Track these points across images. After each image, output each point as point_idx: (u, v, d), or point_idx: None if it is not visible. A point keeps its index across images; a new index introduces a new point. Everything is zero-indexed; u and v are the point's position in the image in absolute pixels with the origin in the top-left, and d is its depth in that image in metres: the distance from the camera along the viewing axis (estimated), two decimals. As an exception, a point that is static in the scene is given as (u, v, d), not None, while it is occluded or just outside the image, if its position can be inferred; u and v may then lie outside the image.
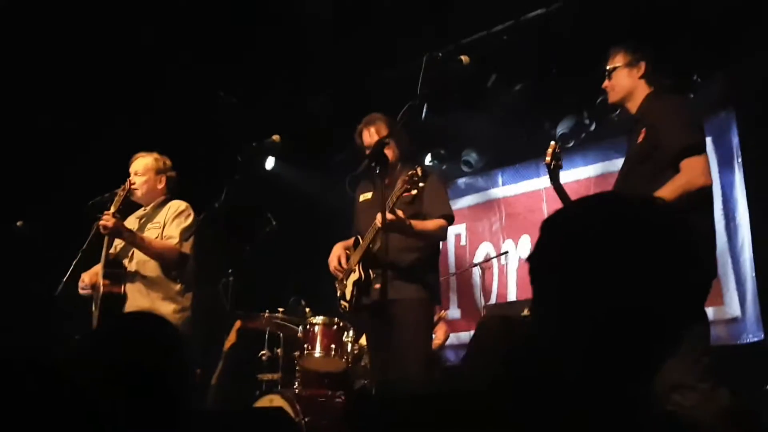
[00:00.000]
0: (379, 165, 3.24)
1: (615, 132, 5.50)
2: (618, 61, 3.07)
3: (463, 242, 6.96)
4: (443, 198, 3.73)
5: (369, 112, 3.86)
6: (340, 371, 4.63)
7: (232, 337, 5.01)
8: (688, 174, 2.70)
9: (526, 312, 4.54)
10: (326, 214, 6.86)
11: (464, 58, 3.27)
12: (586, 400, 0.96)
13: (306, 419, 4.08)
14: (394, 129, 3.43)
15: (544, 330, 1.03)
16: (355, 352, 4.57)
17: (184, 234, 3.82)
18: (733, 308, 5.24)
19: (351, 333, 4.58)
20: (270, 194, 6.25)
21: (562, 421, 0.94)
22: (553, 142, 3.07)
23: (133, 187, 3.92)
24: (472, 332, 6.53)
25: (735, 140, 5.45)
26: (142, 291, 3.78)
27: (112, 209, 3.73)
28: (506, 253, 6.44)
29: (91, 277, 3.81)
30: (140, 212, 4.05)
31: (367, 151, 3.56)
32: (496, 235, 6.77)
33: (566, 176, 6.32)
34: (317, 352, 4.47)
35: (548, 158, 3.05)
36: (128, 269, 3.82)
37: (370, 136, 3.70)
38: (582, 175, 6.24)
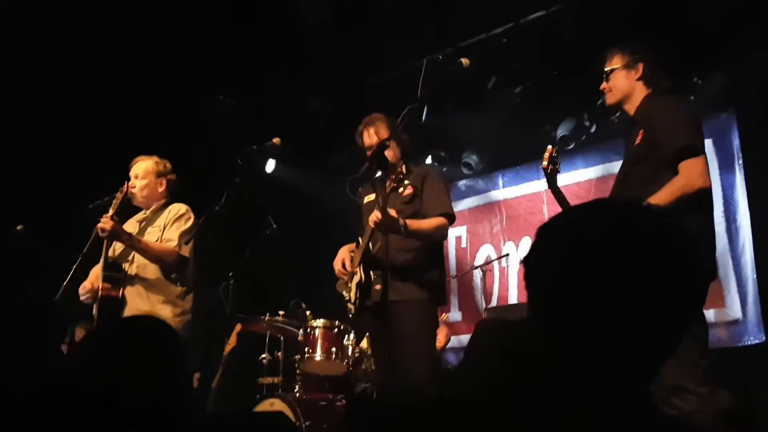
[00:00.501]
0: (379, 167, 3.22)
1: (615, 134, 5.50)
2: (616, 62, 3.06)
3: (463, 244, 6.96)
4: (443, 196, 3.67)
5: (369, 113, 3.85)
6: (340, 375, 4.62)
7: (232, 341, 5.01)
8: (687, 176, 2.69)
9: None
10: (326, 216, 6.86)
11: (464, 61, 3.26)
12: (585, 401, 0.96)
13: (307, 423, 4.07)
14: (394, 130, 3.41)
15: (539, 332, 1.03)
16: (356, 355, 4.56)
17: (184, 237, 3.81)
18: (734, 310, 5.23)
19: (352, 336, 4.57)
20: (270, 197, 6.25)
21: (561, 422, 0.93)
22: (550, 146, 3.05)
23: (133, 190, 3.92)
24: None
25: (736, 142, 5.45)
26: (142, 294, 3.77)
27: (111, 212, 3.73)
28: (507, 255, 6.44)
29: (92, 282, 3.81)
30: (141, 215, 4.05)
31: (368, 153, 3.54)
32: (497, 237, 6.76)
33: (567, 178, 6.38)
34: (318, 356, 4.46)
35: (545, 162, 3.02)
36: (128, 272, 3.81)
37: (370, 137, 3.68)
38: (582, 177, 6.25)
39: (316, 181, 6.92)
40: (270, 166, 5.72)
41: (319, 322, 4.56)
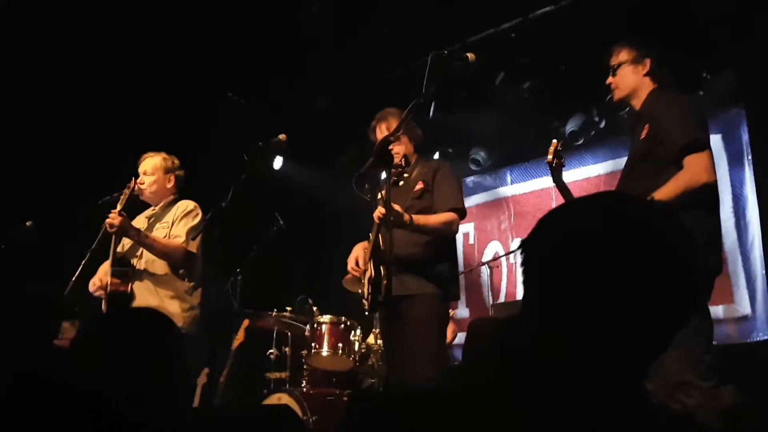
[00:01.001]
0: (383, 162, 3.22)
1: (625, 129, 5.44)
2: (623, 57, 3.04)
3: (471, 241, 6.95)
4: (453, 191, 3.64)
5: (375, 109, 3.85)
6: (347, 370, 4.64)
7: (240, 336, 5.02)
8: (692, 171, 2.68)
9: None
10: (333, 212, 6.86)
11: (470, 56, 3.24)
12: (579, 397, 0.96)
13: (313, 418, 4.09)
14: (405, 124, 3.40)
15: (531, 324, 1.04)
16: (363, 350, 4.57)
17: (191, 233, 3.84)
18: (743, 306, 5.20)
19: (358, 332, 4.58)
20: (277, 193, 6.26)
21: (555, 419, 0.94)
22: (555, 141, 3.04)
23: (142, 186, 3.95)
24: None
25: (745, 137, 5.41)
26: (150, 289, 3.80)
27: (119, 208, 3.76)
28: (515, 251, 6.42)
29: (101, 277, 3.83)
30: (149, 212, 4.08)
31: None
32: (505, 233, 6.75)
33: (576, 174, 6.36)
34: (325, 351, 4.48)
35: (550, 156, 3.01)
36: (137, 268, 3.84)
37: (381, 132, 3.66)
38: (592, 173, 6.22)
39: (323, 177, 6.92)
40: (278, 162, 5.72)
41: (326, 318, 4.58)
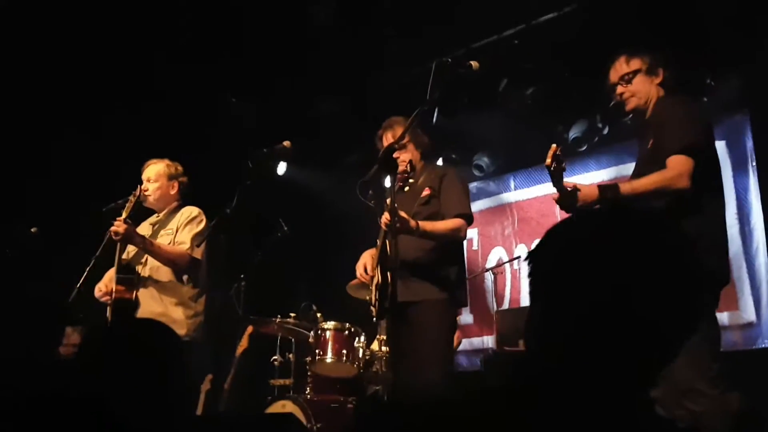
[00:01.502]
0: (388, 170, 3.22)
1: (628, 135, 5.47)
2: (636, 65, 3.02)
3: (475, 247, 6.94)
4: (460, 196, 3.62)
5: (380, 115, 3.85)
6: (351, 377, 4.62)
7: (244, 343, 5.02)
8: (671, 172, 2.68)
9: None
10: (337, 219, 6.87)
11: (474, 64, 3.24)
12: (587, 406, 0.96)
13: (318, 425, 4.08)
14: (410, 131, 3.41)
15: (538, 334, 1.04)
16: (367, 357, 4.56)
17: (196, 239, 3.84)
18: (748, 313, 5.19)
19: (362, 338, 4.57)
20: (281, 199, 6.26)
21: (566, 426, 0.94)
22: (554, 145, 3.00)
23: (146, 193, 3.96)
24: (484, 338, 6.55)
25: (749, 143, 5.41)
26: (155, 296, 3.80)
27: (124, 215, 3.77)
28: (519, 258, 6.41)
29: (107, 284, 3.84)
30: (154, 218, 4.09)
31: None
32: (509, 239, 6.74)
33: (579, 180, 6.25)
34: (329, 358, 4.47)
35: (549, 160, 2.95)
36: (141, 275, 3.85)
37: (388, 140, 3.67)
38: (595, 179, 6.22)
39: (327, 183, 6.93)
40: (281, 168, 5.72)
41: (330, 324, 4.57)
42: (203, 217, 3.97)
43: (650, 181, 2.71)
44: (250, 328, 5.06)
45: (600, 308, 0.98)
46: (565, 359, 1.00)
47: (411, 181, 3.39)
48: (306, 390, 4.63)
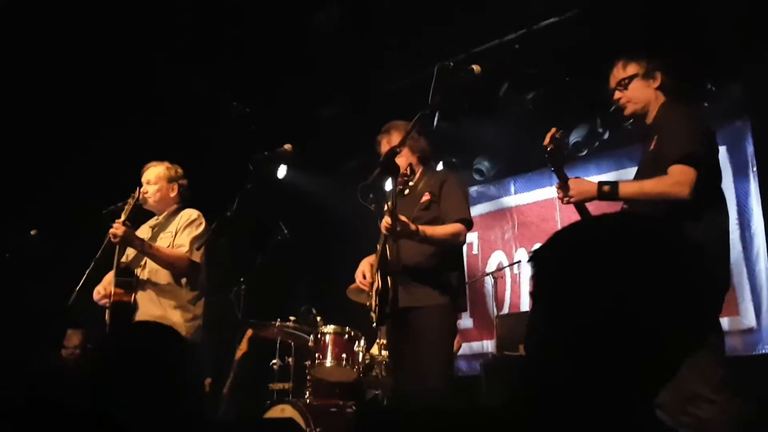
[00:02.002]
0: (389, 174, 3.21)
1: (629, 140, 5.48)
2: (633, 71, 3.02)
3: (475, 251, 6.94)
4: (460, 202, 3.61)
5: (381, 119, 3.85)
6: (351, 381, 4.62)
7: (243, 346, 5.01)
8: (672, 180, 2.68)
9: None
10: (338, 223, 6.86)
11: (476, 68, 3.24)
12: (591, 414, 0.95)
13: (317, 429, 4.07)
14: (406, 137, 3.40)
15: (541, 338, 1.03)
16: (367, 361, 4.55)
17: (195, 242, 3.83)
18: (749, 319, 5.19)
19: (362, 342, 4.56)
20: (282, 203, 6.26)
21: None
22: (553, 128, 2.97)
23: (145, 195, 3.94)
24: (484, 342, 6.53)
25: (750, 149, 5.42)
26: (153, 299, 3.78)
27: (123, 217, 3.75)
28: (519, 262, 6.41)
29: (106, 287, 3.83)
30: (153, 221, 4.08)
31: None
32: (509, 243, 6.74)
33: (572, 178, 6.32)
34: (328, 362, 4.46)
35: (546, 140, 2.90)
36: (140, 277, 3.83)
37: (387, 144, 3.67)
38: (595, 183, 6.22)
39: (328, 187, 6.93)
40: (282, 171, 5.73)
41: (330, 328, 4.56)
42: (203, 220, 3.96)
43: (651, 185, 2.71)
44: (249, 332, 5.05)
45: (604, 313, 0.97)
46: (567, 365, 0.99)
47: (411, 184, 3.38)
48: (305, 394, 4.62)
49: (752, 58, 5.04)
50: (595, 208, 2.84)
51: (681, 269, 1.00)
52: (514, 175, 6.84)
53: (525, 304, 6.42)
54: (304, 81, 5.92)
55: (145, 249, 3.76)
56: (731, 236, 2.91)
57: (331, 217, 7.03)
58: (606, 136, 6.05)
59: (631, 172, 3.16)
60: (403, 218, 3.28)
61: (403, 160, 3.58)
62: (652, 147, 2.89)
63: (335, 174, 6.89)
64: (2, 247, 4.25)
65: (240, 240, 5.44)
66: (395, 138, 3.58)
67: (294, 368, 4.92)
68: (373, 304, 3.49)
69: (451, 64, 3.25)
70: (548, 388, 0.99)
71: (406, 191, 3.41)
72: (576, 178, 2.90)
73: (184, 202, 4.07)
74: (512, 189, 6.88)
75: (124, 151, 5.20)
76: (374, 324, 3.59)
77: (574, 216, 2.85)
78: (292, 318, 5.04)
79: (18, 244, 4.24)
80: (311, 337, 4.63)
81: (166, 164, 4.07)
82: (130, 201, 3.85)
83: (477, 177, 6.83)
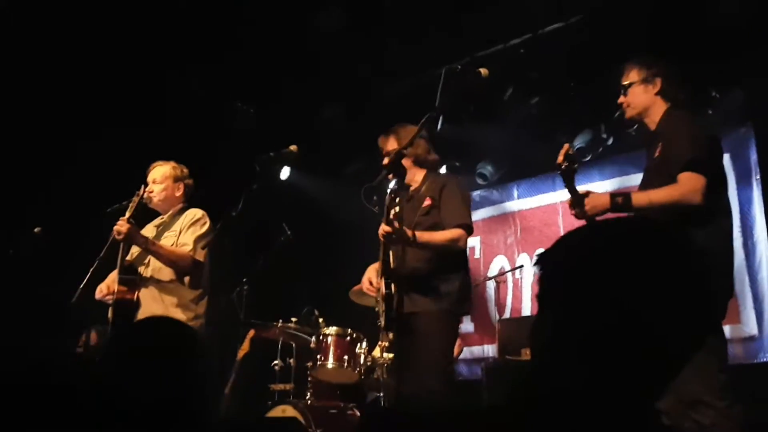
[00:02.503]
0: (396, 176, 3.22)
1: (632, 146, 5.48)
2: (633, 76, 3.05)
3: (477, 255, 6.94)
4: (459, 206, 3.59)
5: (385, 122, 3.86)
6: (352, 383, 4.61)
7: (245, 347, 5.01)
8: (683, 188, 2.69)
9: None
10: (341, 224, 6.87)
11: (483, 71, 3.25)
12: (595, 417, 0.96)
13: (318, 431, 4.06)
14: (410, 138, 3.41)
15: (546, 343, 1.04)
16: (368, 363, 4.54)
17: (199, 241, 3.84)
18: (750, 327, 5.18)
19: (364, 344, 4.56)
20: (286, 204, 6.27)
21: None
22: (566, 144, 2.99)
23: (151, 194, 3.95)
24: (485, 346, 6.53)
25: (753, 156, 5.42)
26: (156, 297, 3.79)
27: (127, 215, 3.76)
28: (521, 267, 6.41)
29: (109, 285, 3.83)
30: (158, 220, 4.09)
31: (385, 161, 3.54)
32: (511, 248, 6.74)
33: (583, 191, 6.33)
34: (330, 363, 4.45)
35: (560, 158, 2.92)
36: (143, 275, 3.84)
37: (392, 145, 3.67)
38: (599, 189, 6.20)
39: (332, 188, 6.93)
40: (285, 173, 5.73)
41: (332, 330, 4.55)
42: (207, 219, 3.96)
43: (664, 194, 2.72)
44: (251, 332, 5.05)
45: (610, 318, 0.98)
46: (574, 369, 1.00)
47: (412, 189, 3.38)
48: (306, 395, 4.62)
49: (756, 66, 5.05)
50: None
51: (686, 275, 1.01)
52: (517, 179, 6.84)
53: (526, 309, 6.42)
54: (308, 83, 5.94)
55: (149, 247, 3.77)
56: (734, 244, 2.92)
57: (334, 219, 7.04)
58: (610, 141, 6.06)
59: (635, 178, 3.18)
60: (397, 224, 3.27)
61: (406, 162, 3.60)
62: (657, 153, 2.90)
63: (339, 177, 6.89)
64: (6, 244, 4.25)
65: (244, 240, 5.45)
66: (402, 139, 3.58)
67: (295, 369, 4.92)
68: (381, 309, 3.50)
69: (459, 66, 3.26)
70: (554, 391, 0.99)
71: (400, 198, 3.41)
72: (588, 192, 2.91)
73: (189, 202, 4.08)
74: (515, 194, 6.88)
75: (130, 149, 5.22)
76: (383, 329, 3.58)
77: (577, 221, 2.86)
78: (293, 319, 5.05)
79: (22, 241, 4.24)
80: (313, 338, 4.63)
81: (172, 164, 4.08)
82: (135, 199, 3.86)
83: (480, 181, 6.83)
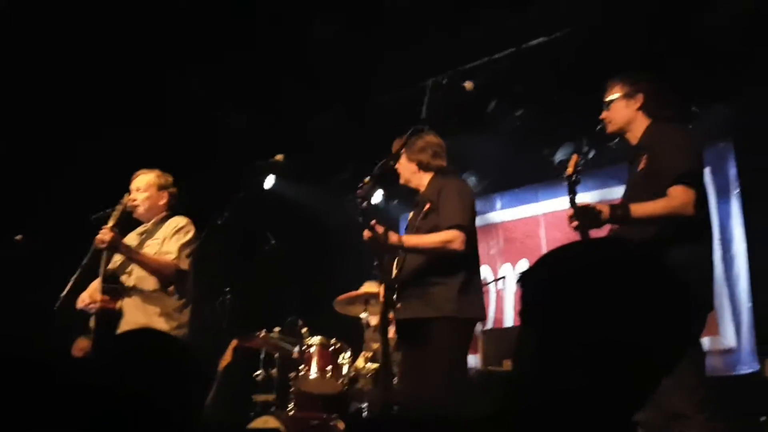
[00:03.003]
0: (382, 184, 3.23)
1: (613, 160, 5.53)
2: (616, 92, 3.10)
3: (460, 266, 6.95)
4: (455, 208, 3.49)
5: (373, 131, 3.87)
6: (335, 393, 4.60)
7: (227, 356, 4.98)
8: (677, 201, 2.73)
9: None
10: (326, 233, 6.86)
11: (468, 85, 3.29)
12: (572, 426, 0.98)
13: (300, 441, 4.06)
14: (407, 145, 3.43)
15: (532, 359, 1.06)
16: (352, 374, 4.54)
17: (183, 250, 3.82)
18: (729, 339, 5.24)
19: (348, 354, 4.56)
20: (272, 212, 6.25)
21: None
22: (575, 155, 3.02)
23: (134, 203, 3.93)
24: (468, 357, 6.52)
25: (732, 171, 5.49)
26: (138, 306, 3.76)
27: (110, 224, 3.73)
28: (503, 277, 6.44)
29: (91, 294, 3.80)
30: (142, 228, 4.06)
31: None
32: (494, 259, 6.77)
33: (564, 203, 6.36)
34: (313, 374, 4.44)
35: (570, 170, 2.96)
36: (126, 284, 3.81)
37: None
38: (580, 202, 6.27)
39: (318, 198, 6.93)
40: (269, 182, 5.73)
41: (315, 340, 4.54)
42: (191, 227, 3.94)
43: (659, 206, 2.74)
44: (234, 342, 5.02)
45: (592, 334, 1.00)
46: (556, 382, 1.01)
47: (419, 193, 3.37)
48: (289, 406, 4.60)
49: (737, 81, 5.13)
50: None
51: (667, 289, 1.03)
52: (500, 191, 6.88)
53: (509, 320, 6.44)
54: (299, 91, 5.95)
55: (132, 255, 3.74)
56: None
57: (320, 228, 7.03)
58: (591, 155, 6.11)
59: (616, 191, 3.22)
60: (381, 229, 3.23)
61: (402, 169, 3.62)
62: (641, 167, 2.94)
63: (325, 185, 6.90)
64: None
65: (228, 249, 5.43)
66: (411, 152, 3.61)
67: (278, 380, 4.90)
68: (381, 313, 3.48)
69: (445, 80, 3.29)
70: (537, 403, 1.01)
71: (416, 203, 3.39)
72: (588, 204, 2.93)
73: (173, 210, 4.07)
74: (498, 205, 6.92)
75: (114, 158, 5.19)
76: (379, 330, 3.55)
77: (557, 234, 2.89)
78: (277, 329, 5.02)
79: (2, 248, 4.21)
80: (296, 348, 4.62)
81: (157, 172, 4.06)
82: (119, 207, 3.84)
83: (464, 192, 6.85)
